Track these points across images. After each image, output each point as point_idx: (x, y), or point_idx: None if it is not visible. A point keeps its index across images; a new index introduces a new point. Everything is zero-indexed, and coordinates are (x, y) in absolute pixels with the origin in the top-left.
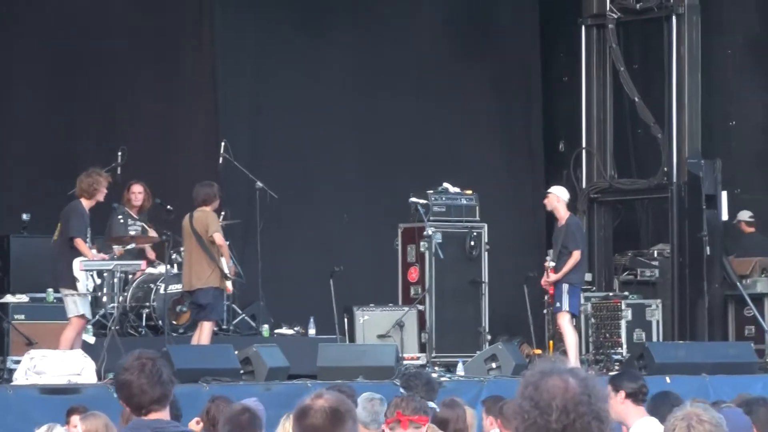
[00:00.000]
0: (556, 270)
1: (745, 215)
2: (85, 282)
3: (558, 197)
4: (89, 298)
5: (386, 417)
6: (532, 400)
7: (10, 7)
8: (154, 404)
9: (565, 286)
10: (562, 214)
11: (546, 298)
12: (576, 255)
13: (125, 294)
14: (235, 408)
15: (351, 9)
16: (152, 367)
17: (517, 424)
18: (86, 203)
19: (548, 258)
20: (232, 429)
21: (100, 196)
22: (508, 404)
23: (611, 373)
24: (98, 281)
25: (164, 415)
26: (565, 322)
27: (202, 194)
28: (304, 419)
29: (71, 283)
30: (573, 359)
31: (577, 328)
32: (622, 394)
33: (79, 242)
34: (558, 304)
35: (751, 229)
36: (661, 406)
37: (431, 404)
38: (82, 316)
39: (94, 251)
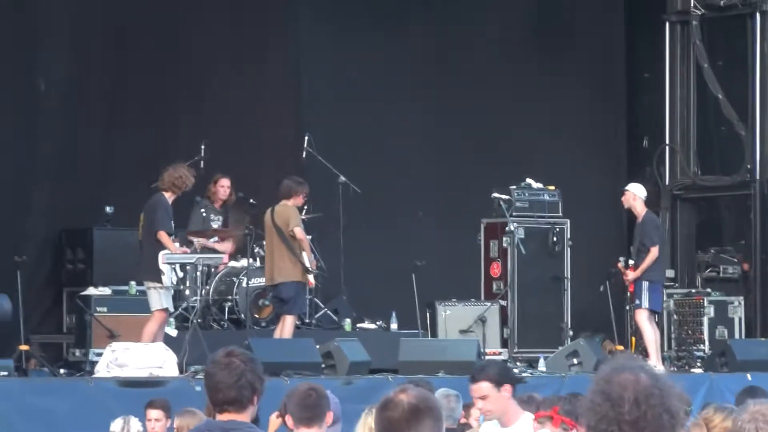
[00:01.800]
0: (635, 267)
1: None
2: (169, 275)
3: (634, 195)
4: (172, 291)
5: (538, 410)
6: (604, 393)
7: (100, 3)
8: (227, 405)
9: (645, 284)
10: (639, 210)
11: (628, 295)
12: (654, 252)
13: (208, 287)
14: (301, 388)
15: (432, 2)
16: (236, 367)
17: (588, 418)
18: (169, 196)
19: (621, 258)
20: (297, 410)
21: (183, 191)
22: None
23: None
24: (181, 274)
25: (241, 417)
26: (642, 319)
27: (290, 189)
28: (384, 411)
29: (156, 276)
30: (653, 356)
31: (660, 324)
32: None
33: (163, 235)
34: (638, 302)
35: None
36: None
37: None
38: (165, 310)
39: (176, 245)
